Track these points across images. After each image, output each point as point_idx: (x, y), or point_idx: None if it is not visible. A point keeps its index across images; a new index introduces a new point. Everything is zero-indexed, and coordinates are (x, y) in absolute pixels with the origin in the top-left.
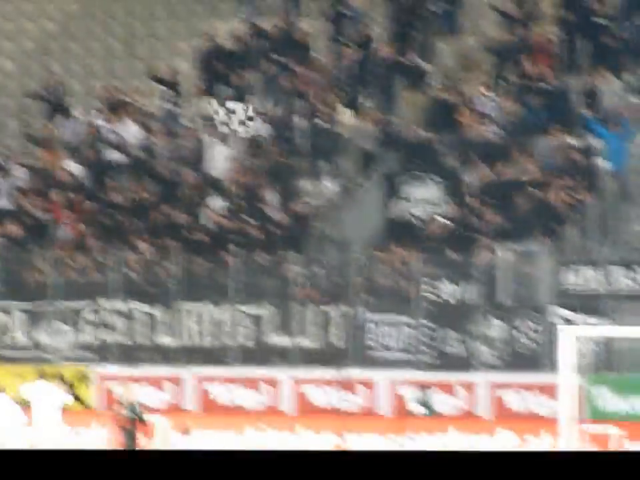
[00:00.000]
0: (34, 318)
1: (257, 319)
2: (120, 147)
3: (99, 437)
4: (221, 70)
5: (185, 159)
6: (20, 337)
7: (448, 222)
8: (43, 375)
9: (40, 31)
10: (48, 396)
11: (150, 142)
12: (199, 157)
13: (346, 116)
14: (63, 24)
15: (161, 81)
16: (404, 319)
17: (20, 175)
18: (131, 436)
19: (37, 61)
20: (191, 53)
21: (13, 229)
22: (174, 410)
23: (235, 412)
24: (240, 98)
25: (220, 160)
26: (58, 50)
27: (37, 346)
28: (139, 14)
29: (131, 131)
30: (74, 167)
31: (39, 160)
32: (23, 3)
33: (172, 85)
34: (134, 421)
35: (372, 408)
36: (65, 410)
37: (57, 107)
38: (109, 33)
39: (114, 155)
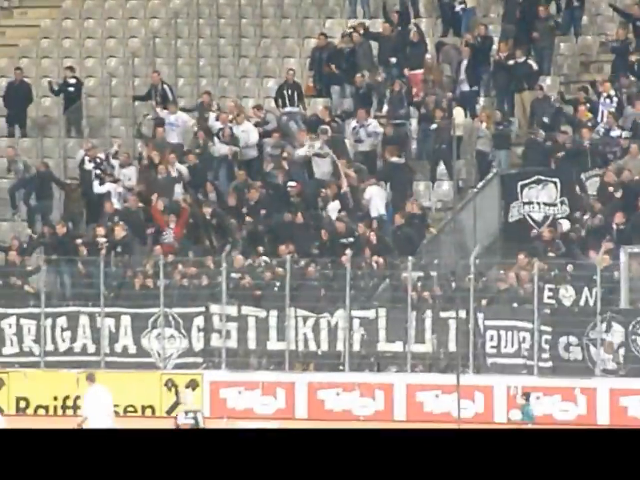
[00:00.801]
0: (143, 324)
1: (371, 325)
2: (232, 148)
3: None
4: (333, 71)
5: (296, 162)
6: (129, 344)
7: (568, 225)
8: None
9: (146, 29)
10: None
11: (262, 143)
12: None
13: (461, 117)
14: (169, 22)
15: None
16: (522, 324)
17: (129, 175)
18: None
19: (145, 61)
20: (303, 53)
21: (121, 232)
22: (284, 416)
23: (346, 418)
24: (354, 99)
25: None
26: (164, 49)
27: (145, 352)
28: (248, 12)
29: (245, 132)
30: (183, 169)
31: (147, 161)
32: (131, 2)
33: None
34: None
35: (488, 414)
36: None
37: (165, 107)
38: (217, 32)
39: (225, 157)
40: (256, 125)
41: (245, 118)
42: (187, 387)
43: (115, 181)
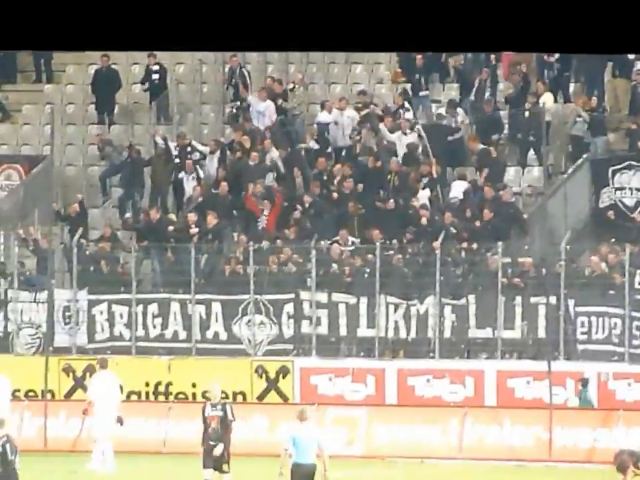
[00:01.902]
0: (233, 311)
1: (461, 312)
2: (327, 139)
3: None
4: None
5: (383, 153)
6: (220, 330)
7: None
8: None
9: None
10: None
11: (354, 135)
12: (394, 150)
13: (551, 102)
14: None
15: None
16: (613, 310)
17: (217, 166)
18: (216, 435)
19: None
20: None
21: (212, 219)
22: (374, 402)
23: (436, 404)
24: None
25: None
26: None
27: (236, 339)
28: None
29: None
30: (277, 159)
31: (238, 147)
32: None
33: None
34: (224, 419)
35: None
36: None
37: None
38: None
39: (321, 147)
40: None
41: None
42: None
43: (201, 167)
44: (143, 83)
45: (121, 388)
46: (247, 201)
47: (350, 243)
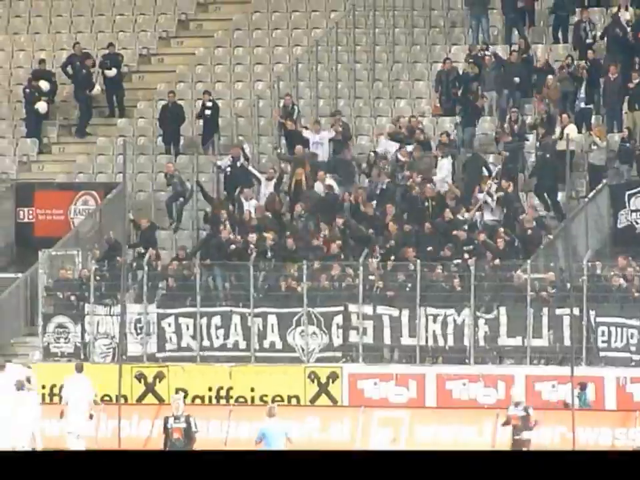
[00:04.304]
0: (288, 322)
1: (493, 322)
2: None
3: (345, 430)
4: (457, 92)
5: (422, 173)
6: (276, 340)
7: None
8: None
9: (290, 55)
10: None
11: (398, 156)
12: (432, 171)
13: (575, 133)
14: (310, 49)
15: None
16: (630, 322)
17: (269, 189)
18: (180, 446)
19: (288, 84)
20: (431, 77)
21: (270, 240)
22: (416, 404)
23: (472, 406)
24: (475, 118)
25: (445, 173)
26: (306, 74)
27: (291, 348)
28: (382, 41)
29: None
30: (333, 183)
31: (287, 175)
32: (274, 31)
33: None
34: (188, 431)
35: (600, 402)
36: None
37: (304, 127)
38: (354, 58)
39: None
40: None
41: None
42: (177, 393)
43: (259, 193)
44: (198, 117)
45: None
46: (323, 238)
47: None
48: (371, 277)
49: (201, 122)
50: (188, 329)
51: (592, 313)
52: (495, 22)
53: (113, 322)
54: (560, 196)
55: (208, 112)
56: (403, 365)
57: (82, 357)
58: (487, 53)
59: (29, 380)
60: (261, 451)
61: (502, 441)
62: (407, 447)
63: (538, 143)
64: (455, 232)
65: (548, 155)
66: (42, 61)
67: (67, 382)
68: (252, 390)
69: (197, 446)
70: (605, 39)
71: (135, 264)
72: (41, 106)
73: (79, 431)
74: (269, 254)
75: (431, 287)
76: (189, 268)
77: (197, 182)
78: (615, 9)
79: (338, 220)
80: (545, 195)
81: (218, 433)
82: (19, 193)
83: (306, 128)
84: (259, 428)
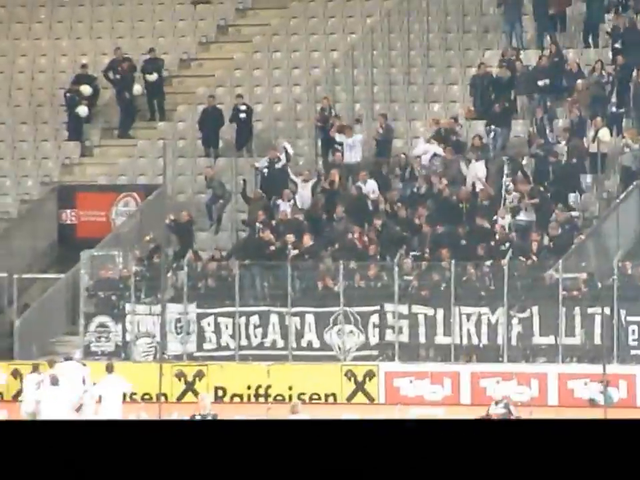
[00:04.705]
0: (325, 321)
1: (527, 321)
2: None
3: None
4: (490, 96)
5: (455, 175)
6: (313, 339)
7: None
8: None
9: (326, 60)
10: None
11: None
12: (465, 173)
13: (607, 136)
14: (347, 54)
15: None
16: None
17: (306, 191)
18: None
19: (325, 88)
20: (465, 81)
21: (308, 240)
22: (451, 402)
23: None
24: (507, 121)
25: (479, 176)
26: (342, 78)
27: (327, 346)
28: (416, 45)
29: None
30: (374, 184)
31: (324, 177)
32: (311, 36)
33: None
34: None
35: (631, 399)
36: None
37: (340, 130)
38: (389, 62)
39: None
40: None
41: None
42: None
43: (296, 194)
44: (231, 121)
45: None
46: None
47: (426, 260)
48: (406, 277)
49: (235, 125)
50: (227, 328)
51: (622, 312)
52: (527, 27)
53: (153, 321)
54: (592, 197)
55: (242, 115)
56: (438, 363)
57: (122, 356)
58: (519, 57)
59: (83, 381)
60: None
61: None
62: None
63: (569, 146)
64: (488, 233)
65: (579, 158)
66: (84, 66)
67: (99, 383)
68: (290, 388)
69: None
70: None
71: (175, 264)
72: (83, 110)
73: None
74: (306, 254)
75: (465, 287)
76: (228, 268)
77: (243, 180)
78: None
79: (374, 221)
80: (574, 195)
81: None
82: (61, 194)
83: (340, 131)
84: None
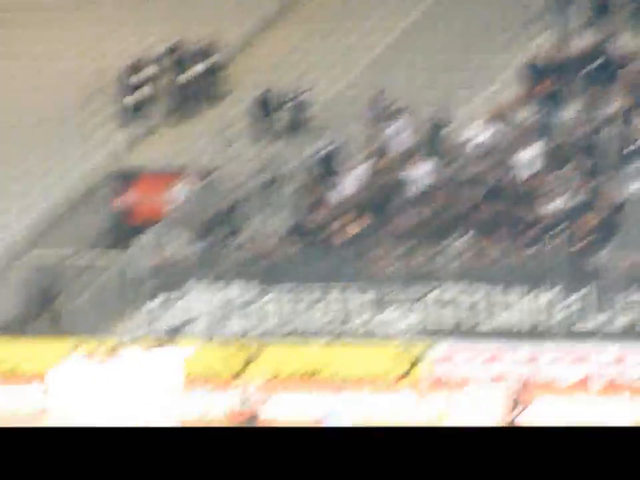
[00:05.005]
0: (378, 301)
1: (580, 301)
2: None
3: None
4: (544, 80)
5: (509, 157)
6: (364, 319)
7: None
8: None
9: (383, 43)
10: None
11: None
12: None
13: None
14: (404, 36)
15: None
16: None
17: (362, 173)
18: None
19: (377, 72)
20: (518, 64)
21: (361, 222)
22: (502, 381)
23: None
24: (560, 106)
25: (532, 159)
26: (398, 63)
27: (385, 326)
28: (474, 27)
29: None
30: (426, 167)
31: (378, 161)
32: (366, 20)
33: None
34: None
35: None
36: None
37: (393, 114)
38: (446, 44)
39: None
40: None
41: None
42: None
43: (352, 177)
44: (286, 105)
45: None
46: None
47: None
48: (462, 257)
49: (292, 108)
50: (286, 306)
51: None
52: (578, 12)
53: (213, 300)
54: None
55: (297, 99)
56: (495, 344)
57: (183, 335)
58: (571, 40)
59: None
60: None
61: None
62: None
63: (618, 131)
64: (540, 216)
65: (631, 141)
66: (143, 50)
67: (154, 359)
68: (347, 367)
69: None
70: None
71: (234, 244)
72: (142, 93)
73: (169, 407)
74: (361, 236)
75: (518, 268)
76: (286, 248)
77: (298, 164)
78: None
79: (428, 203)
80: (627, 176)
81: (315, 410)
82: (120, 177)
83: (393, 115)
84: (327, 406)
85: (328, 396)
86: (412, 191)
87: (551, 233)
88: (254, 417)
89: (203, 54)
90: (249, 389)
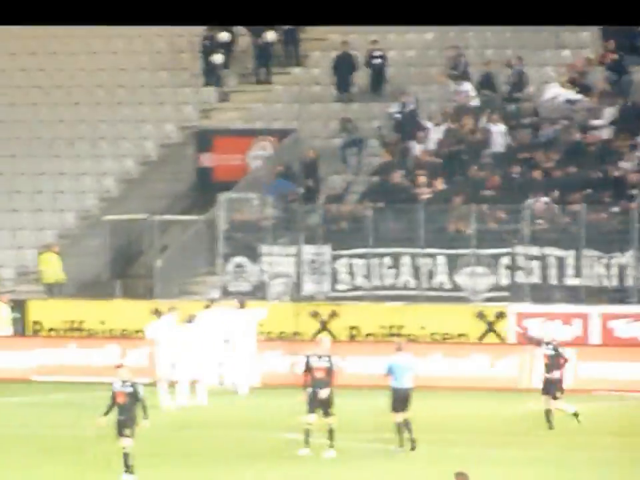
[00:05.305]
0: (456, 262)
1: None
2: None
3: (512, 367)
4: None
5: (586, 119)
6: (444, 280)
7: None
8: None
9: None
10: None
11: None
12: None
13: None
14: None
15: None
16: None
17: (438, 135)
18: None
19: (454, 33)
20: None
21: (438, 183)
22: (580, 342)
23: (634, 344)
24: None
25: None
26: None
27: (459, 287)
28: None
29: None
30: (500, 128)
31: (456, 121)
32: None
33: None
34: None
35: None
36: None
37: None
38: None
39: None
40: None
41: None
42: None
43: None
44: (367, 66)
45: None
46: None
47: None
48: (537, 220)
49: (369, 70)
50: (360, 269)
51: None
52: None
53: (288, 262)
54: None
55: (376, 61)
56: (568, 305)
57: (259, 295)
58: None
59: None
60: None
61: None
62: (573, 383)
63: None
64: (617, 177)
65: None
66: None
67: (231, 320)
68: (422, 328)
69: (342, 382)
70: None
71: (309, 206)
72: (219, 56)
73: (245, 366)
74: (438, 197)
75: (595, 229)
76: (362, 210)
77: (377, 124)
78: None
79: (505, 165)
80: None
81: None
82: (199, 139)
83: (470, 76)
84: (387, 362)
85: (403, 355)
86: (487, 153)
87: (630, 194)
88: (329, 374)
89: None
90: (324, 348)
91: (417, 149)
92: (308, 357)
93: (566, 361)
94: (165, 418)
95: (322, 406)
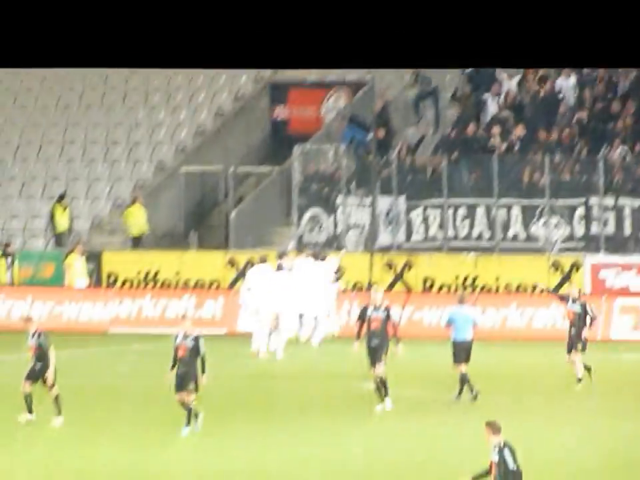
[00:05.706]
0: (531, 214)
1: None
2: None
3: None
4: None
5: None
6: (519, 231)
7: None
8: None
9: None
10: None
11: None
12: None
13: None
14: None
15: None
16: None
17: (512, 86)
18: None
19: None
20: None
21: (513, 134)
22: None
23: None
24: None
25: None
26: None
27: (534, 238)
28: None
29: None
30: (572, 80)
31: (530, 74)
32: None
33: None
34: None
35: None
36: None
37: None
38: None
39: None
40: None
41: None
42: None
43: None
44: None
45: None
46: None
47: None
48: (612, 170)
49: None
50: (435, 219)
51: None
52: None
53: (363, 213)
54: None
55: None
56: None
57: (334, 246)
58: None
59: (338, 270)
60: None
61: None
62: None
63: None
64: None
65: None
66: None
67: (307, 270)
68: (496, 279)
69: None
70: None
71: (385, 157)
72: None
73: (321, 313)
74: (514, 147)
75: None
76: (437, 161)
77: (449, 76)
78: None
79: (580, 115)
80: None
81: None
82: (273, 91)
83: None
84: (448, 313)
85: (465, 307)
86: (561, 105)
87: None
88: (384, 325)
89: None
90: (377, 298)
91: (492, 100)
92: (364, 308)
93: (593, 319)
94: (242, 369)
95: (372, 355)
